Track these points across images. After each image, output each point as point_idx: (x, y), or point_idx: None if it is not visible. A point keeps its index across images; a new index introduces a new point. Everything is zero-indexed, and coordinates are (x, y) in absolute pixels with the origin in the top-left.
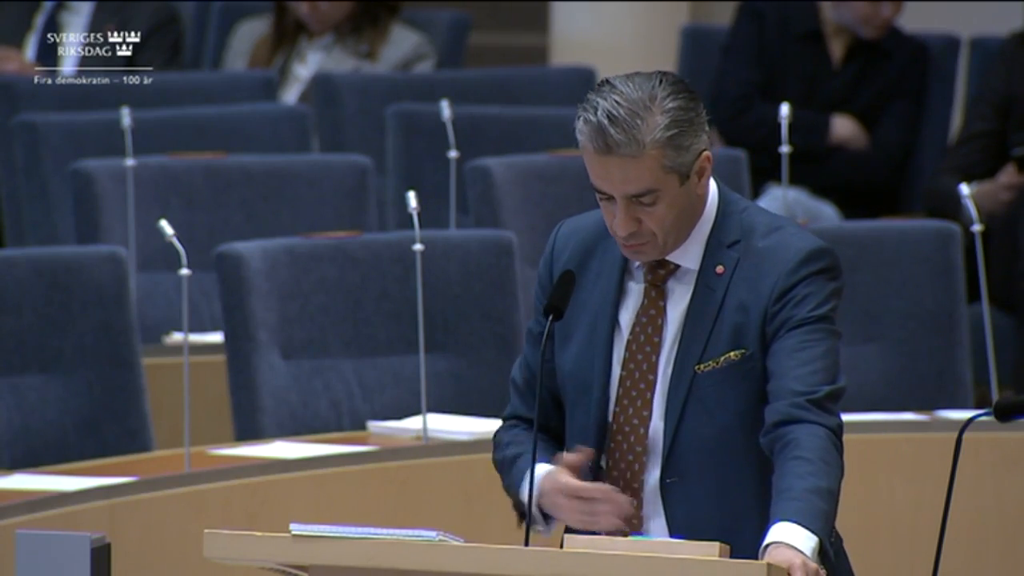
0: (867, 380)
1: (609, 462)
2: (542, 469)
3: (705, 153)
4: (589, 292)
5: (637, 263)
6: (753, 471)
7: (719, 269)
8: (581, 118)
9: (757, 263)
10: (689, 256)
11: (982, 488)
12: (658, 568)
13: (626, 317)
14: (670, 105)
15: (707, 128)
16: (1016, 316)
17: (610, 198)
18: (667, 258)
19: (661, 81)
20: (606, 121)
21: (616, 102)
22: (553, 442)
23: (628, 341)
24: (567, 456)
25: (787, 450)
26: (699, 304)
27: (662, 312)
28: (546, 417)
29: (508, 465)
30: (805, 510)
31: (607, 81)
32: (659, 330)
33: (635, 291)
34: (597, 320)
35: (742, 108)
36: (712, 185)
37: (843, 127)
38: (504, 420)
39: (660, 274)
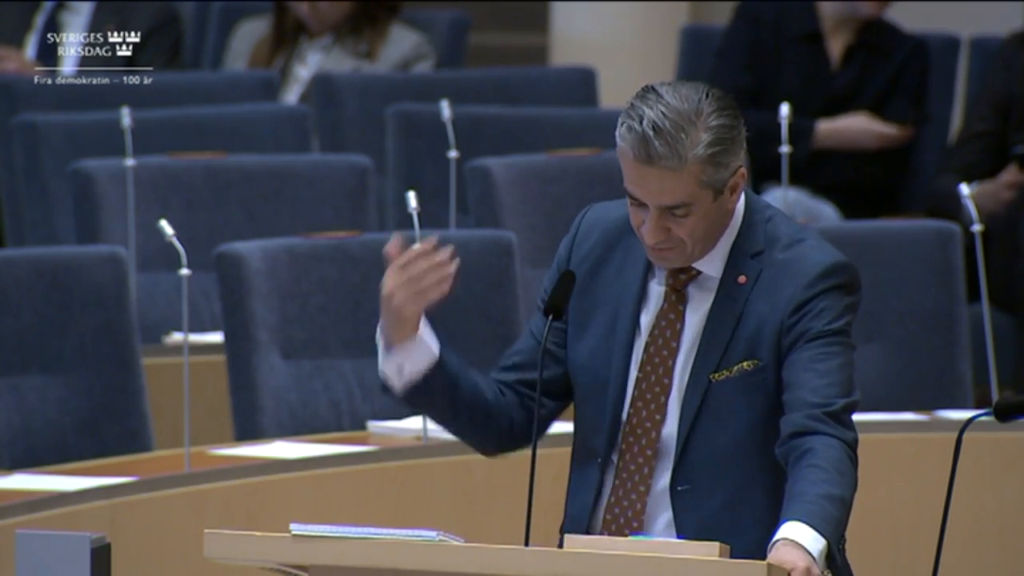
0: (867, 380)
1: (620, 462)
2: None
3: (741, 169)
4: (609, 286)
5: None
6: (763, 482)
7: (741, 279)
8: (624, 125)
9: (775, 275)
10: (712, 263)
11: (982, 488)
12: (658, 568)
13: (646, 319)
14: (714, 123)
15: (745, 145)
16: (1016, 316)
17: (642, 204)
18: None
19: (708, 95)
20: (651, 132)
21: (663, 113)
22: (482, 383)
23: (647, 344)
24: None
25: (803, 459)
26: (719, 313)
27: (681, 317)
28: (519, 371)
29: None
30: (816, 512)
31: (653, 89)
32: (677, 335)
33: (656, 293)
34: (617, 318)
35: None
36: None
37: (827, 136)
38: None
39: (681, 279)
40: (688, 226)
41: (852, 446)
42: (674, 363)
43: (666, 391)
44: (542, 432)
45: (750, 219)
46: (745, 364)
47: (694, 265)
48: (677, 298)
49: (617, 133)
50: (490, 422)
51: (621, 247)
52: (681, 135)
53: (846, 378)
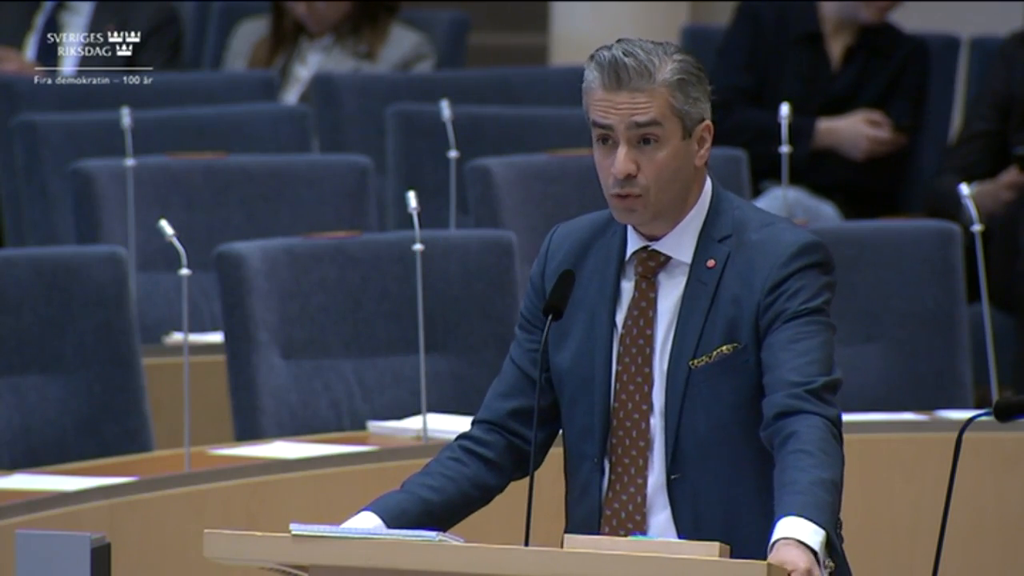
0: (867, 380)
1: (612, 459)
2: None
3: (706, 122)
4: (584, 290)
5: (630, 257)
6: (752, 464)
7: (710, 263)
8: (592, 63)
9: (749, 257)
10: (681, 248)
11: (982, 488)
12: (658, 568)
13: (621, 316)
14: (679, 58)
15: (709, 102)
16: (1016, 316)
17: (610, 142)
18: (658, 249)
19: (672, 46)
20: (621, 54)
21: (632, 44)
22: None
23: (622, 335)
24: None
25: (788, 443)
26: (691, 298)
27: (653, 304)
28: (508, 399)
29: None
30: (811, 503)
31: (618, 40)
32: (651, 323)
33: (628, 290)
34: (595, 318)
35: (721, 116)
36: (708, 181)
37: (828, 135)
38: (469, 429)
39: (651, 266)
40: (657, 162)
41: (835, 423)
42: (652, 351)
43: (648, 380)
44: (539, 462)
45: (718, 206)
46: (724, 348)
47: (662, 250)
48: (648, 286)
49: (585, 74)
50: (476, 502)
51: (593, 251)
52: (652, 59)
53: (826, 356)
